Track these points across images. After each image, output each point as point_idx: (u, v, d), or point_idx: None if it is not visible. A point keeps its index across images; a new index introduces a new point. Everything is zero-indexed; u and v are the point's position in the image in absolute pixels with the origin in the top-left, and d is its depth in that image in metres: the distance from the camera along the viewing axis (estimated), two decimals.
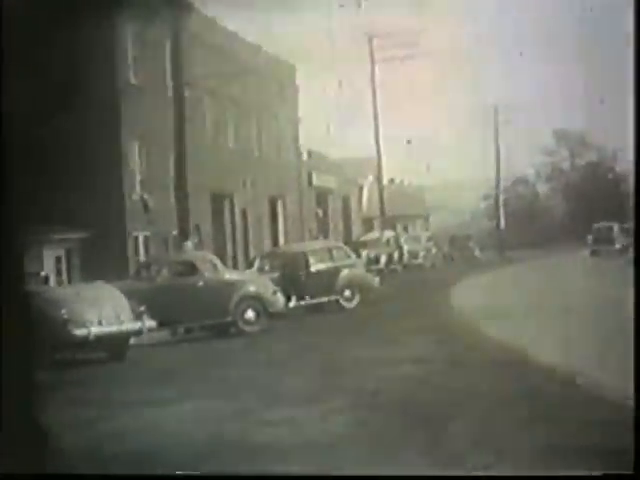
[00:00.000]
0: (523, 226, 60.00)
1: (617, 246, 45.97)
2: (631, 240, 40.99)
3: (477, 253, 54.94)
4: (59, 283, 26.25)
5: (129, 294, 20.42)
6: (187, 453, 10.55)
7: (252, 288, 23.96)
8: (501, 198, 58.64)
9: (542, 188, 66.75)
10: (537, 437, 10.17)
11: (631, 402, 11.26)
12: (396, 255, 43.32)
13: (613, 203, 57.31)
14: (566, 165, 66.52)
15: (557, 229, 59.54)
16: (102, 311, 19.50)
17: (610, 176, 64.08)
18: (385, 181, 52.75)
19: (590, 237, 50.02)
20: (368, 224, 55.28)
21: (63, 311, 18.83)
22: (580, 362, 14.57)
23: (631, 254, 37.96)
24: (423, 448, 10.11)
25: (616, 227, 48.62)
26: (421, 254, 47.05)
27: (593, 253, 46.47)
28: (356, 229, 54.30)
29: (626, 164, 62.80)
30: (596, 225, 49.13)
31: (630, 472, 8.10)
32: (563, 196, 65.23)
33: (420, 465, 9.43)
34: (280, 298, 24.29)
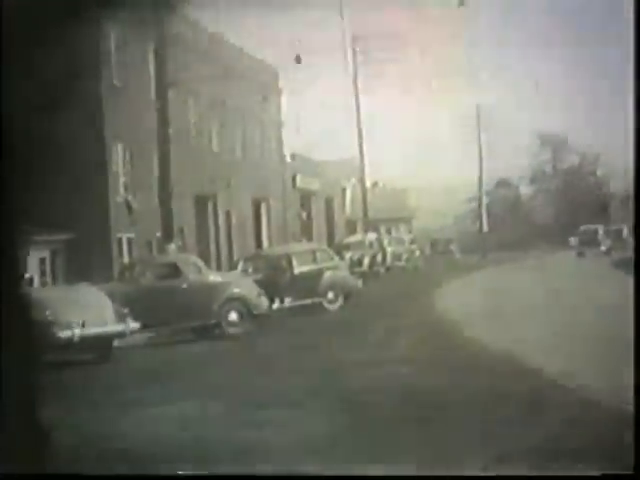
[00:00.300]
0: (506, 228, 60.21)
1: (602, 248, 46.86)
2: (615, 242, 41.44)
3: (458, 256, 55.12)
4: (43, 285, 26.25)
5: (113, 296, 20.46)
6: (170, 454, 10.60)
7: (236, 290, 24.00)
8: (484, 201, 58.85)
9: (525, 191, 67.03)
10: (519, 438, 10.25)
11: (614, 401, 11.40)
12: (379, 257, 43.40)
13: (595, 206, 57.68)
14: (548, 168, 66.82)
15: (540, 231, 59.77)
16: (86, 313, 19.52)
17: (592, 180, 64.42)
18: (368, 184, 52.90)
19: (572, 239, 50.67)
20: (351, 226, 55.37)
21: (47, 313, 18.83)
22: (569, 365, 14.64)
23: (615, 256, 38.35)
24: (407, 449, 10.20)
25: (601, 230, 49.39)
26: (404, 256, 47.19)
27: (579, 254, 47.21)
28: (339, 231, 54.38)
29: (607, 168, 63.23)
30: (582, 228, 49.80)
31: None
32: (545, 199, 65.52)
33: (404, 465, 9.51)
34: (264, 300, 24.33)
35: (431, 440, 10.48)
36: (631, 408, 10.28)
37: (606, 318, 19.66)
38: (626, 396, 11.67)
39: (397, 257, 46.26)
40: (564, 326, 19.72)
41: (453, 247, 56.64)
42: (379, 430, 11.29)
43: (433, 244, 55.93)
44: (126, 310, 20.09)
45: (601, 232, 49.18)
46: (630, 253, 44.18)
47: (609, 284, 30.15)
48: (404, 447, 10.26)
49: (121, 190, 31.84)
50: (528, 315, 22.41)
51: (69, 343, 19.05)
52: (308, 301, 27.60)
